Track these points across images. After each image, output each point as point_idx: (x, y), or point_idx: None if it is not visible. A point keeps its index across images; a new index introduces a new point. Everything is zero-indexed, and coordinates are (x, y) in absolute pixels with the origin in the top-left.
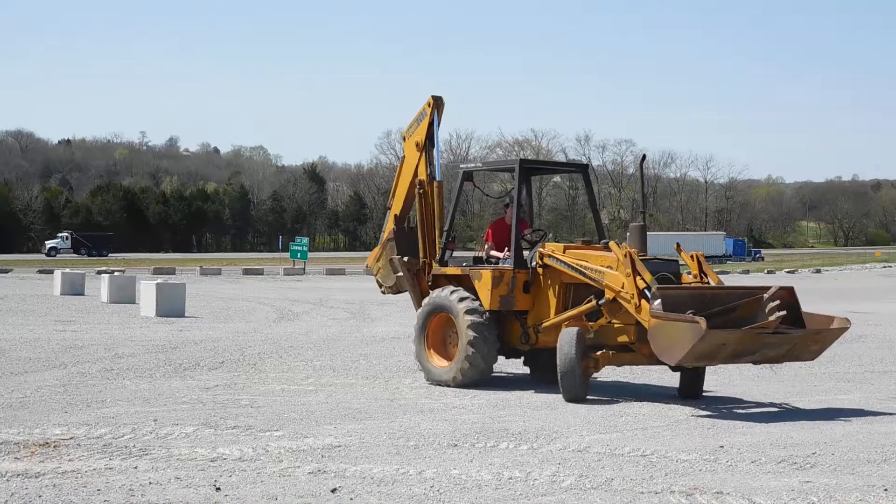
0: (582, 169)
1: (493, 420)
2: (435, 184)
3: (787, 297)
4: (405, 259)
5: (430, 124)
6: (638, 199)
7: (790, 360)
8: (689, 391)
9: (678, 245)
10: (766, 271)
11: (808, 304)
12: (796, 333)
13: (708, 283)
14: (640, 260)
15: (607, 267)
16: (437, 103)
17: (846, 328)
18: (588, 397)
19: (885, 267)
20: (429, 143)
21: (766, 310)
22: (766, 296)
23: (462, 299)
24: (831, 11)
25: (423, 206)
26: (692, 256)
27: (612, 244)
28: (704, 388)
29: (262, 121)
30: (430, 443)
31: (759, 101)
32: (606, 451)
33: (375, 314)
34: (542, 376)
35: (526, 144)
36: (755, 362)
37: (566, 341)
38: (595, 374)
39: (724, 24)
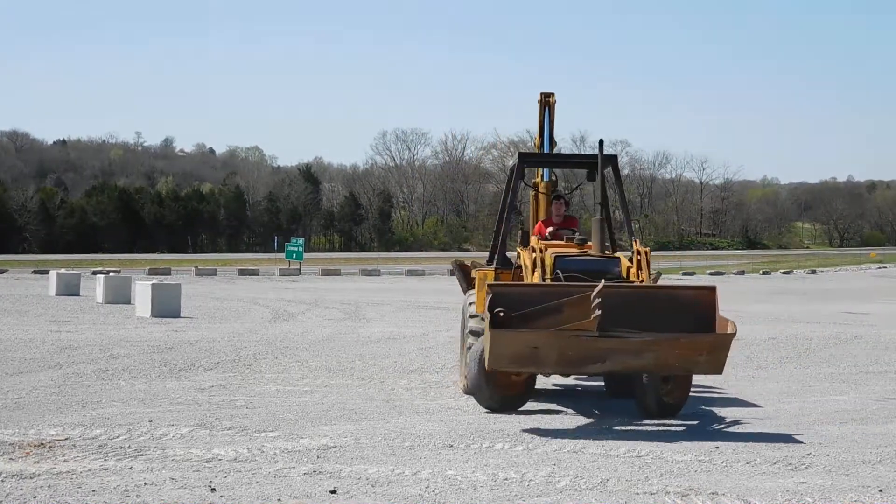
0: (611, 160)
1: (488, 421)
2: (542, 183)
3: (707, 299)
4: (459, 262)
5: (542, 122)
6: (633, 200)
7: (677, 371)
8: (652, 408)
9: (633, 239)
10: (761, 272)
11: (805, 305)
12: (643, 339)
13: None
14: (576, 258)
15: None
16: (544, 100)
17: (731, 335)
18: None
19: (880, 268)
20: (542, 142)
21: (590, 309)
22: (593, 293)
23: (471, 305)
24: (826, 12)
25: (535, 206)
26: (636, 251)
27: (532, 239)
28: (698, 388)
29: (258, 121)
30: (426, 443)
31: (755, 102)
32: (602, 451)
33: (371, 315)
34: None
35: (521, 145)
36: (630, 372)
37: (476, 349)
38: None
39: (720, 25)
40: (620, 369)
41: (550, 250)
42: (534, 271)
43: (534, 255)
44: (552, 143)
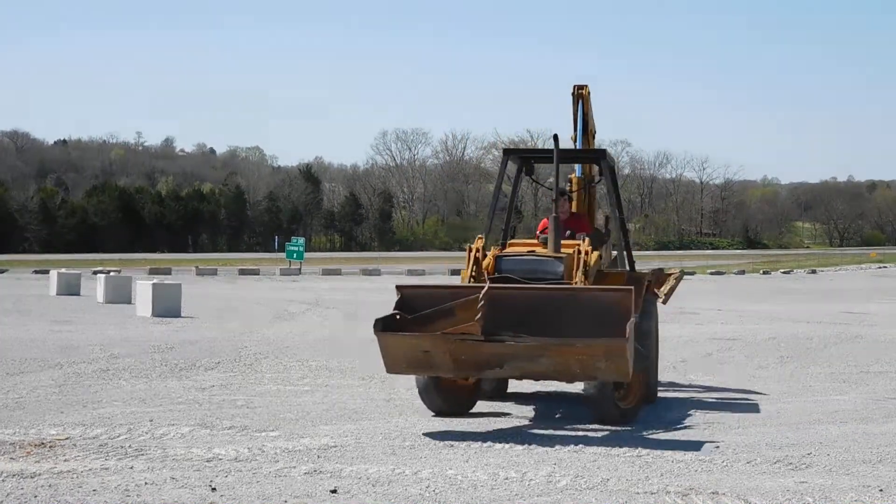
0: (600, 155)
1: (488, 420)
2: (575, 179)
3: (620, 302)
4: None
5: (575, 115)
6: (634, 200)
7: (581, 378)
8: (608, 414)
9: (583, 236)
10: (761, 272)
11: (805, 305)
12: (527, 344)
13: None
14: (516, 257)
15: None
16: (577, 92)
17: (625, 339)
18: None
19: (880, 267)
20: (577, 135)
21: (476, 311)
22: (480, 295)
23: None
24: (827, 11)
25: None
26: (575, 249)
27: (479, 238)
28: (697, 388)
29: (258, 121)
30: (426, 443)
31: (755, 102)
32: (602, 451)
33: (371, 314)
34: None
35: (522, 145)
36: (534, 378)
37: None
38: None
39: (720, 24)
40: (521, 374)
41: (509, 249)
42: (469, 271)
43: (468, 253)
44: (587, 136)
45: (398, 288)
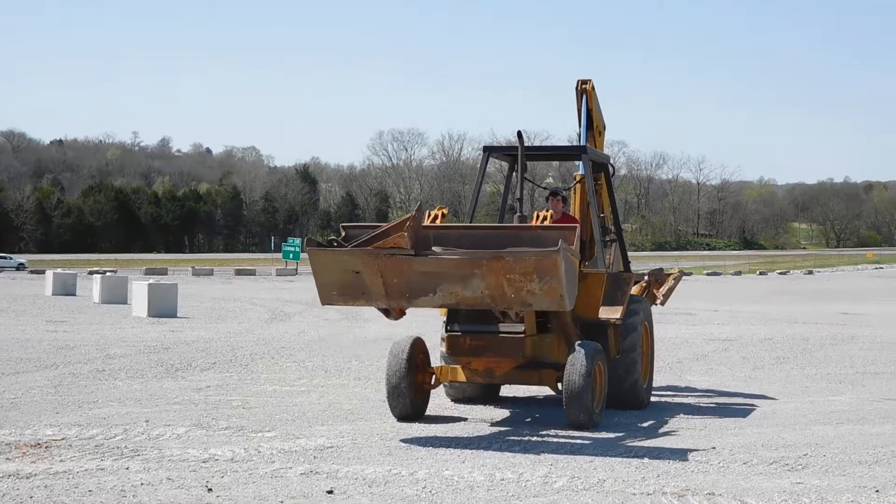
0: (580, 151)
1: (484, 421)
2: (577, 175)
3: (563, 238)
4: None
5: (580, 111)
6: (630, 200)
7: (516, 305)
8: (573, 419)
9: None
10: (758, 272)
11: (802, 306)
12: (460, 258)
13: None
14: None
15: None
16: (580, 87)
17: (555, 250)
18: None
19: (876, 268)
20: (581, 131)
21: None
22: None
23: None
24: (825, 12)
25: (576, 203)
26: (537, 216)
27: (440, 206)
28: (695, 390)
29: (255, 121)
30: (423, 444)
31: (752, 102)
32: (598, 452)
33: (367, 315)
34: None
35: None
36: (468, 306)
37: (391, 355)
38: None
39: (716, 25)
40: (455, 302)
41: None
42: None
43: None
44: (594, 131)
45: (343, 227)
